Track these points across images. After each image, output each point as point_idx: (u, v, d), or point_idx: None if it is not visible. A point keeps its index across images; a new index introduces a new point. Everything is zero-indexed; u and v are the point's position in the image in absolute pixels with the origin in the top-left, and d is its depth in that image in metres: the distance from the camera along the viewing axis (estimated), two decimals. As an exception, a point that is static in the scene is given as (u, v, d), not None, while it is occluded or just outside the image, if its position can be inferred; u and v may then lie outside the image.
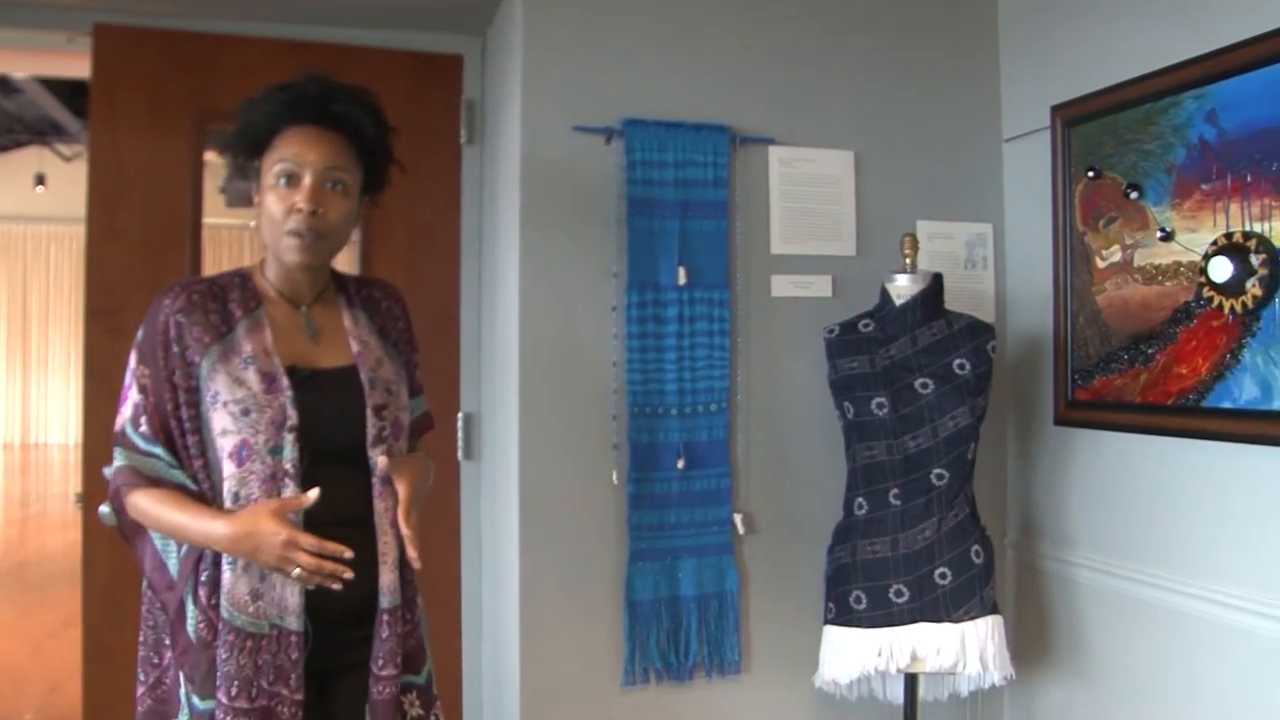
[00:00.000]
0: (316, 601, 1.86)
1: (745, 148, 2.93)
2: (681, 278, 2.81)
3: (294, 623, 1.84)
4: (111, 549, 2.72)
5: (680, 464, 2.81)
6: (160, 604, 1.94)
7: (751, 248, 2.94)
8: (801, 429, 2.97)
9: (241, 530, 1.78)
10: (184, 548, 1.91)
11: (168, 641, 1.93)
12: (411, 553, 1.91)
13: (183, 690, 1.87)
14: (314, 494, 1.81)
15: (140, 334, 1.93)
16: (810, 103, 3.02)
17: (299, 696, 1.84)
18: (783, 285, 2.96)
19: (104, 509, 2.71)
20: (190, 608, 1.87)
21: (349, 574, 1.79)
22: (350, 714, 1.94)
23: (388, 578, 1.91)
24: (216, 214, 3.59)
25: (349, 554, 1.79)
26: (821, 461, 2.95)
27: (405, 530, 1.90)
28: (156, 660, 1.94)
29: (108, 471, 1.97)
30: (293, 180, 1.89)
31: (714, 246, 2.86)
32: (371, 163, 2.02)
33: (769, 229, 2.96)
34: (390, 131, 2.04)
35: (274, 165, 1.90)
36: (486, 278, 3.23)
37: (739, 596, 2.88)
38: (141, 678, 1.95)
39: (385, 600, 1.91)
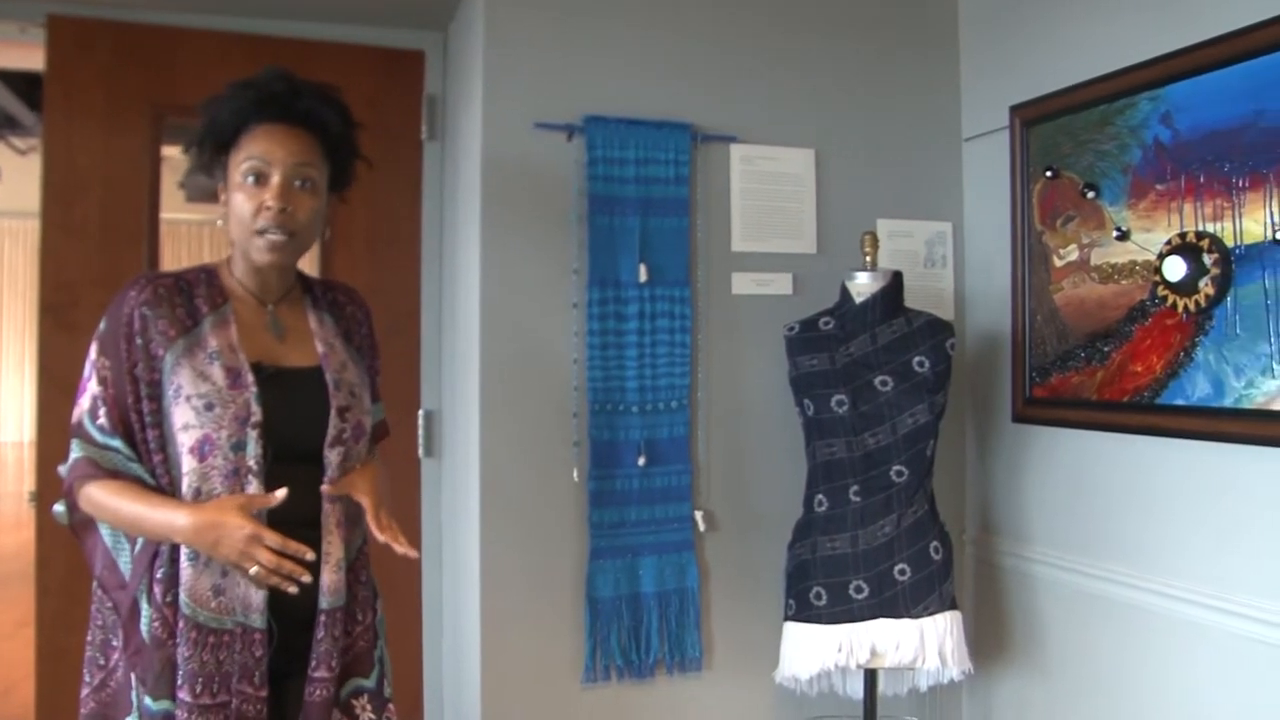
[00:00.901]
0: (278, 600, 1.83)
1: (706, 145, 2.93)
2: (642, 275, 2.82)
3: (258, 620, 1.82)
4: (66, 548, 2.67)
5: (641, 461, 2.81)
6: (111, 603, 1.91)
7: (712, 245, 2.94)
8: (762, 426, 2.98)
9: (206, 521, 1.76)
10: (138, 544, 1.88)
11: (115, 642, 1.90)
12: (400, 549, 1.90)
13: (133, 692, 1.84)
14: (281, 493, 1.80)
15: (102, 325, 1.90)
16: (772, 101, 3.02)
17: (263, 694, 1.83)
18: (743, 283, 2.97)
19: (58, 508, 2.67)
20: (144, 606, 1.84)
21: (307, 577, 1.78)
22: (288, 715, 1.92)
23: (329, 578, 1.89)
24: (175, 209, 3.55)
25: (310, 556, 1.78)
26: (782, 458, 2.96)
27: (380, 536, 1.90)
28: (103, 661, 1.91)
29: (62, 469, 1.94)
30: (261, 179, 1.88)
31: (675, 244, 2.87)
32: (338, 159, 2.01)
33: (730, 227, 2.97)
34: (356, 127, 2.03)
35: (242, 163, 1.88)
36: (447, 274, 3.21)
37: (700, 593, 2.89)
38: (87, 679, 1.92)
39: (324, 601, 1.89)
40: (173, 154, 3.12)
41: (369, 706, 1.98)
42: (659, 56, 2.92)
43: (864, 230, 2.82)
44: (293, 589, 1.78)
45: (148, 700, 1.81)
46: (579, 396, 2.80)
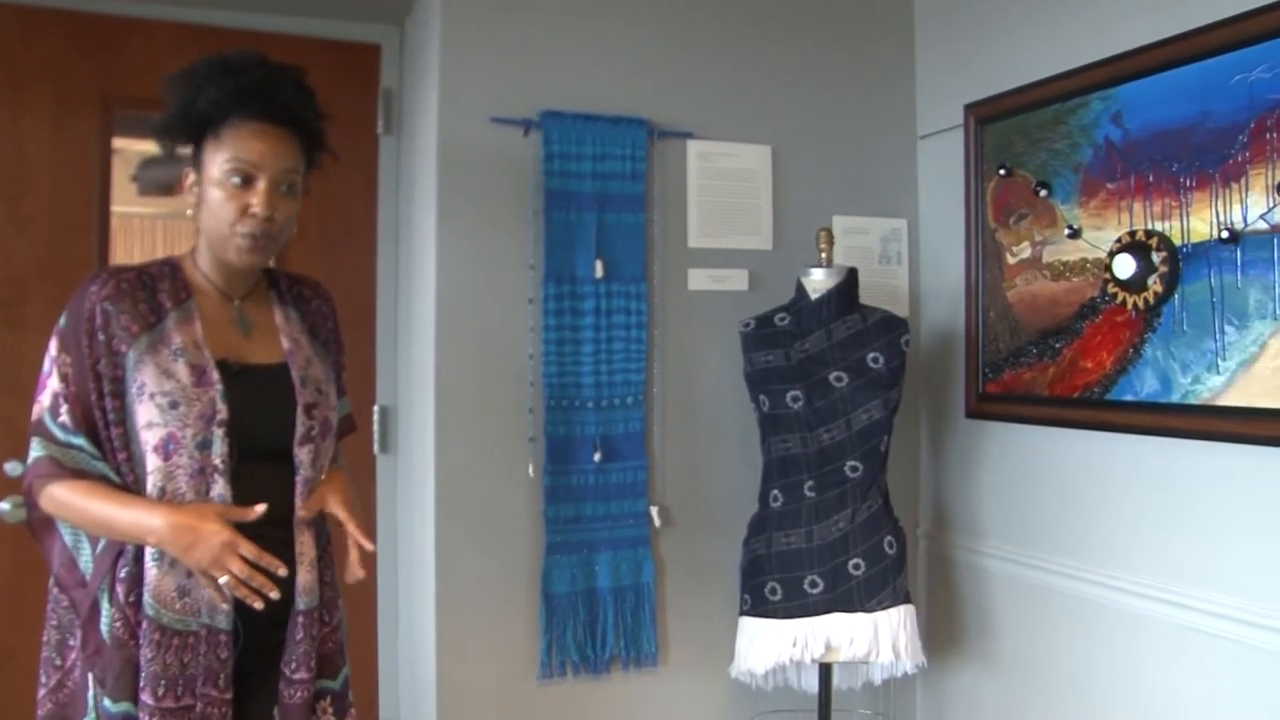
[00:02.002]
0: (240, 601, 1.80)
1: (663, 141, 2.93)
2: (599, 270, 2.82)
3: (224, 621, 1.80)
4: (13, 547, 2.64)
5: (597, 457, 2.81)
6: (69, 602, 1.87)
7: (669, 241, 2.95)
8: (717, 422, 2.99)
9: (182, 523, 1.73)
10: (100, 544, 1.84)
11: (72, 642, 1.86)
12: (364, 543, 1.92)
13: (90, 693, 1.80)
14: (261, 509, 1.78)
15: (63, 321, 1.85)
16: (728, 97, 3.03)
17: (228, 696, 1.80)
18: (700, 279, 2.97)
19: (4, 505, 2.63)
20: (105, 606, 1.80)
21: (275, 594, 1.76)
22: (261, 717, 1.89)
23: (305, 578, 1.88)
24: (127, 202, 3.50)
25: (284, 571, 1.77)
26: (737, 454, 2.97)
27: (368, 546, 1.92)
28: (59, 662, 1.87)
29: (10, 467, 1.91)
30: (247, 181, 1.84)
31: (631, 240, 2.87)
32: (311, 154, 1.99)
33: (686, 222, 2.97)
34: (325, 119, 2.00)
35: (227, 162, 1.83)
36: (403, 269, 3.20)
37: (655, 589, 2.89)
38: (43, 679, 1.88)
39: (302, 601, 1.87)
40: (125, 146, 3.08)
41: (330, 710, 1.96)
42: (616, 52, 2.92)
43: (820, 227, 2.84)
44: (259, 604, 1.75)
45: (107, 702, 1.77)
46: (535, 392, 2.79)
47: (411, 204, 3.09)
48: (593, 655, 2.83)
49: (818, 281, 2.74)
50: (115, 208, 3.03)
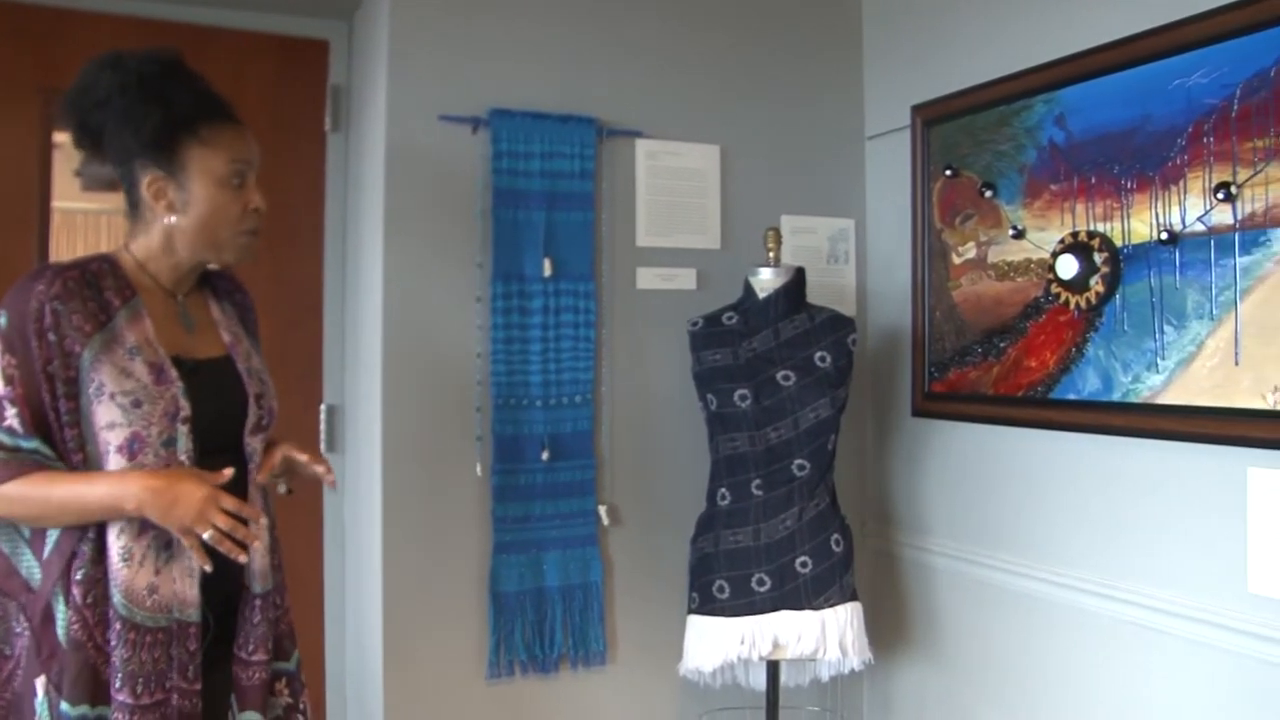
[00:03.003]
0: (203, 590, 1.82)
1: (612, 140, 2.94)
2: (547, 269, 2.81)
3: (193, 614, 1.80)
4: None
5: (545, 456, 2.81)
6: (2, 613, 1.82)
7: (617, 240, 2.95)
8: (665, 421, 3.00)
9: (160, 484, 1.73)
10: (47, 549, 1.79)
11: (8, 651, 1.82)
12: (327, 476, 2.01)
13: (39, 700, 1.76)
14: (229, 471, 1.82)
15: (4, 322, 1.78)
16: (677, 97, 3.04)
17: (197, 686, 1.81)
18: (648, 278, 2.98)
19: None
20: (60, 609, 1.77)
21: (259, 543, 1.82)
22: (215, 702, 1.89)
23: (259, 562, 1.90)
24: (69, 198, 3.44)
25: (264, 521, 1.83)
26: (685, 453, 2.98)
27: (319, 467, 2.01)
28: (45, 673, 1.80)
29: None
30: (243, 181, 1.92)
31: (580, 238, 2.87)
32: None
33: (635, 221, 2.98)
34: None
35: (225, 165, 1.88)
36: (350, 268, 3.17)
37: (604, 587, 2.90)
38: (15, 686, 1.82)
39: (257, 585, 1.90)
40: (67, 140, 3.03)
41: (286, 690, 1.99)
42: (565, 50, 2.92)
43: (768, 226, 2.85)
44: (243, 557, 1.79)
45: (64, 706, 1.73)
46: (482, 391, 2.78)
47: (359, 202, 3.06)
48: (541, 655, 2.83)
49: (766, 281, 2.75)
50: (57, 203, 2.98)
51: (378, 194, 2.78)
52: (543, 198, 2.82)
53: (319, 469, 2.01)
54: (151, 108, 1.84)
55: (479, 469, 2.78)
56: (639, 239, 2.98)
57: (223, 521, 1.75)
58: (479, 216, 2.79)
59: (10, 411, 1.76)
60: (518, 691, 2.83)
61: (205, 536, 1.74)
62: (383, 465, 2.72)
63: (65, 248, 3.04)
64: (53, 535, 1.79)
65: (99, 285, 1.83)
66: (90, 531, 1.77)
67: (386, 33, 2.76)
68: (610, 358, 2.93)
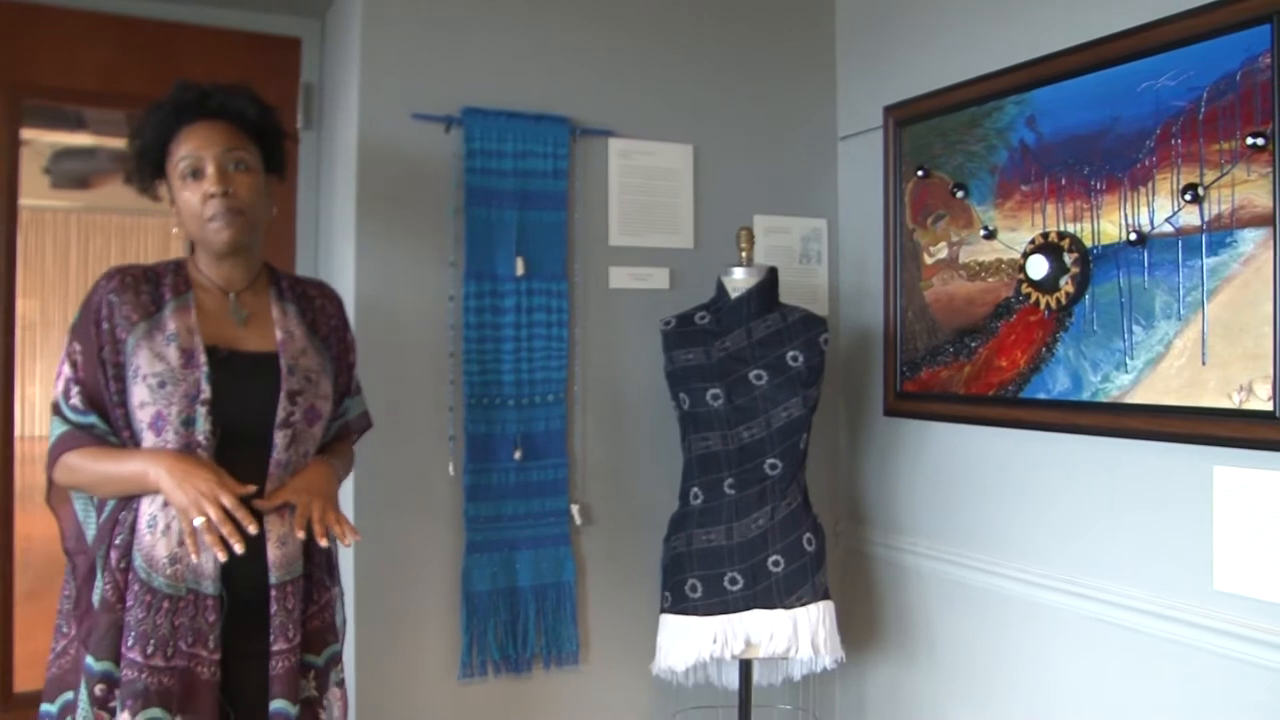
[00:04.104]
0: (229, 576, 1.92)
1: (585, 139, 2.93)
2: (519, 268, 2.81)
3: (210, 587, 1.90)
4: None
5: (517, 455, 2.81)
6: (72, 566, 2.03)
7: (590, 239, 2.95)
8: (638, 420, 3.00)
9: (182, 464, 1.87)
10: (105, 512, 1.98)
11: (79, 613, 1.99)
12: (324, 543, 1.98)
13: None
14: (252, 488, 1.91)
15: (77, 314, 2.02)
16: (650, 96, 3.04)
17: (217, 656, 1.90)
18: (621, 277, 2.98)
19: None
20: (100, 571, 1.93)
21: (239, 548, 1.83)
22: (251, 688, 1.96)
23: (274, 554, 1.96)
24: (39, 195, 3.41)
25: (253, 530, 1.85)
26: (657, 452, 2.98)
27: (299, 534, 1.96)
28: (67, 629, 2.00)
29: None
30: (198, 173, 2.00)
31: (552, 237, 2.86)
32: (264, 141, 2.12)
33: (608, 221, 2.98)
34: (272, 110, 2.15)
35: (178, 165, 2.01)
36: (323, 266, 3.15)
37: (576, 587, 2.89)
38: (54, 645, 2.01)
39: (274, 576, 1.96)
40: (35, 137, 3.01)
41: (313, 684, 2.04)
42: (539, 49, 2.91)
43: (740, 226, 2.85)
44: (222, 555, 1.84)
45: (89, 659, 1.89)
46: (455, 390, 2.78)
47: (331, 200, 3.05)
48: (514, 654, 2.82)
49: (738, 280, 2.75)
50: (24, 200, 2.96)
51: (350, 192, 2.77)
52: (515, 197, 2.82)
53: (336, 530, 2.00)
54: (143, 131, 2.05)
55: (451, 468, 2.77)
56: (612, 238, 2.98)
57: (215, 514, 1.82)
58: (451, 215, 2.78)
59: (74, 390, 1.99)
60: (490, 691, 2.82)
61: (196, 524, 1.82)
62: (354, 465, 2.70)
63: (33, 246, 3.02)
64: (109, 504, 1.99)
65: (158, 281, 2.04)
66: (134, 502, 1.94)
67: (359, 30, 2.75)
68: (583, 357, 2.93)
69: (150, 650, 1.86)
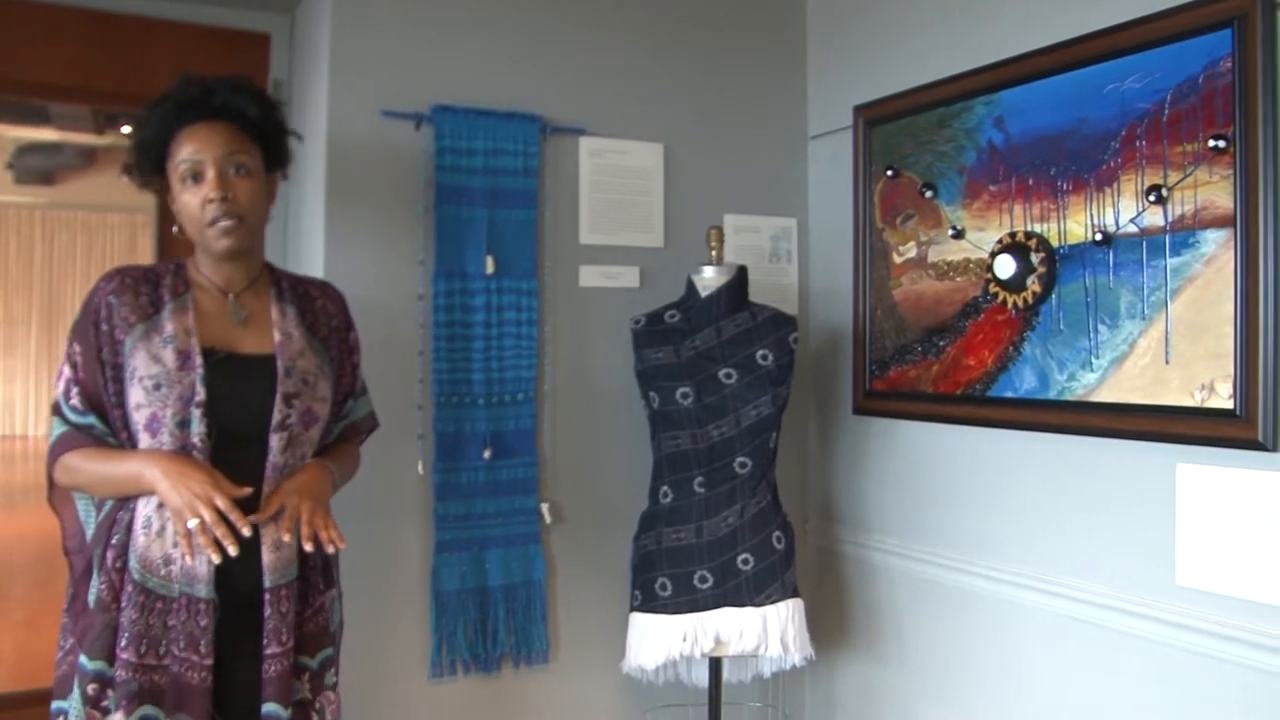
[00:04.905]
0: (223, 579, 1.92)
1: (556, 138, 2.93)
2: (489, 267, 2.80)
3: (203, 590, 1.90)
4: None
5: (487, 454, 2.80)
6: (70, 566, 2.05)
7: (560, 238, 2.95)
8: (608, 419, 3.00)
9: (178, 466, 1.87)
10: (103, 511, 2.00)
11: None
12: (306, 544, 1.97)
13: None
14: (247, 490, 1.90)
15: (78, 315, 2.03)
16: (621, 95, 3.04)
17: (209, 661, 1.90)
18: (591, 275, 2.98)
19: None
20: (96, 571, 1.95)
21: (233, 550, 1.83)
22: (241, 698, 1.96)
23: (268, 558, 1.96)
24: (2, 191, 3.39)
25: (246, 533, 1.85)
26: (627, 450, 2.99)
27: (286, 537, 1.95)
28: (73, 629, 2.01)
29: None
30: (198, 176, 2.00)
31: (523, 236, 2.86)
32: (266, 141, 2.12)
33: (578, 219, 2.98)
34: (276, 107, 2.16)
35: (178, 168, 2.01)
36: (292, 263, 3.13)
37: (546, 586, 2.89)
38: (61, 644, 2.02)
39: (267, 579, 1.96)
40: (2, 133, 2.98)
41: (307, 686, 2.06)
42: (509, 47, 2.91)
43: (711, 225, 2.86)
44: (216, 558, 1.83)
45: (83, 658, 1.91)
46: (424, 389, 2.77)
47: (301, 197, 3.03)
48: (484, 654, 2.82)
49: (708, 279, 2.76)
50: (-12, 197, 2.93)
51: (319, 190, 2.76)
52: (486, 195, 2.81)
53: (322, 535, 1.99)
54: (144, 127, 2.04)
55: (420, 467, 2.77)
56: (582, 237, 2.98)
57: (209, 516, 1.82)
58: (421, 213, 2.78)
59: (74, 391, 2.00)
60: (460, 691, 2.82)
61: (190, 525, 1.82)
62: (323, 463, 2.69)
63: (-2, 241, 2.99)
64: (108, 504, 2.00)
65: (158, 282, 2.04)
66: (131, 502, 1.95)
67: (328, 26, 2.74)
68: (553, 355, 2.93)
69: (143, 650, 1.88)
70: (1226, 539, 2.11)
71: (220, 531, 1.82)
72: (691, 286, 2.78)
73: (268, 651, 1.95)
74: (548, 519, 2.89)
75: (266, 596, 1.95)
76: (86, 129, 3.29)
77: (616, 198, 3.01)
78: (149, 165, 2.06)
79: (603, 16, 3.02)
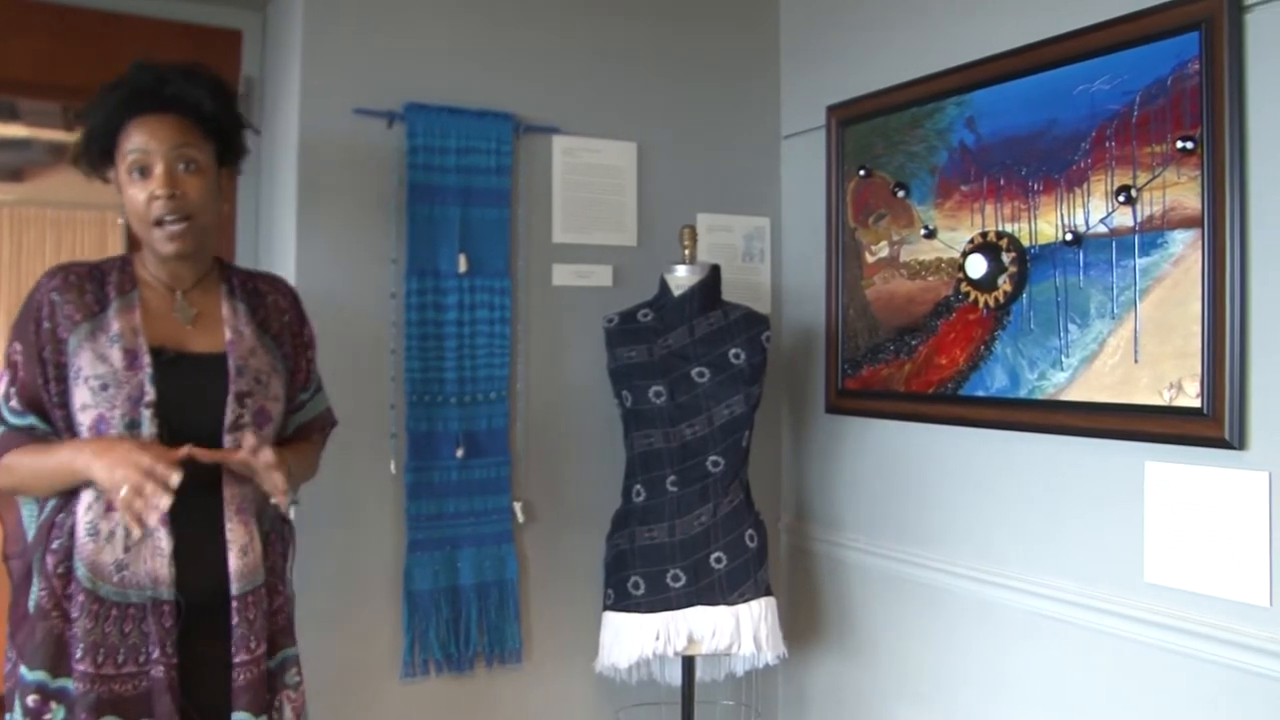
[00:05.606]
0: (185, 580, 1.86)
1: (529, 136, 2.93)
2: (462, 265, 2.79)
3: (167, 593, 1.85)
4: None
5: (459, 453, 2.79)
6: (9, 573, 1.98)
7: (533, 236, 2.94)
8: (581, 417, 3.00)
9: (108, 444, 1.81)
10: (40, 518, 1.93)
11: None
12: (279, 483, 1.89)
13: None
14: (186, 449, 1.83)
15: (19, 313, 1.96)
16: (595, 94, 3.04)
17: (174, 661, 1.84)
18: (564, 274, 2.98)
19: None
20: (36, 576, 1.89)
21: (153, 520, 1.76)
22: (202, 702, 1.90)
23: (235, 564, 1.91)
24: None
25: (175, 480, 1.75)
26: (600, 449, 2.99)
27: (251, 440, 1.88)
28: (15, 638, 1.94)
29: None
30: (146, 170, 1.93)
31: (495, 234, 2.85)
32: (220, 135, 2.04)
33: (551, 218, 2.97)
34: (233, 99, 2.09)
35: (124, 158, 1.93)
36: (264, 261, 3.12)
37: (519, 585, 2.89)
38: (7, 654, 1.95)
39: (235, 586, 1.91)
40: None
41: (300, 675, 2.07)
42: (482, 45, 2.90)
43: (684, 224, 2.87)
44: (136, 529, 1.77)
45: (23, 669, 1.85)
46: (396, 388, 2.76)
47: (272, 195, 3.02)
48: (456, 653, 2.81)
49: (681, 278, 2.76)
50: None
51: (290, 188, 2.74)
52: (458, 193, 2.80)
53: (274, 481, 1.91)
54: (93, 113, 1.97)
55: (393, 466, 2.76)
56: (555, 235, 2.98)
57: (135, 476, 1.74)
58: (393, 211, 2.76)
59: (12, 392, 1.93)
60: (433, 691, 2.81)
61: (121, 494, 1.75)
62: (295, 462, 2.68)
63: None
64: (48, 505, 1.93)
65: (103, 279, 1.97)
66: (71, 504, 1.88)
67: (300, 23, 2.72)
68: (525, 354, 2.93)
69: (101, 659, 1.82)
70: (1194, 536, 2.12)
71: (149, 487, 1.74)
72: (664, 285, 2.78)
73: (237, 660, 1.91)
74: (520, 518, 2.89)
75: (235, 604, 1.91)
76: (56, 125, 3.25)
77: (589, 196, 3.01)
78: (97, 153, 1.98)
79: (576, 15, 3.02)
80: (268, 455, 1.88)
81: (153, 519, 1.77)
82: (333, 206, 2.73)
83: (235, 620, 1.91)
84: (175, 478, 1.76)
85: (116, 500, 1.77)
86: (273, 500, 1.94)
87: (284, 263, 2.79)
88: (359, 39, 2.76)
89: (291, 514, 2.08)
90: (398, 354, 2.76)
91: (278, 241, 2.90)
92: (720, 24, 3.24)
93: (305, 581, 2.66)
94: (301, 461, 2.19)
